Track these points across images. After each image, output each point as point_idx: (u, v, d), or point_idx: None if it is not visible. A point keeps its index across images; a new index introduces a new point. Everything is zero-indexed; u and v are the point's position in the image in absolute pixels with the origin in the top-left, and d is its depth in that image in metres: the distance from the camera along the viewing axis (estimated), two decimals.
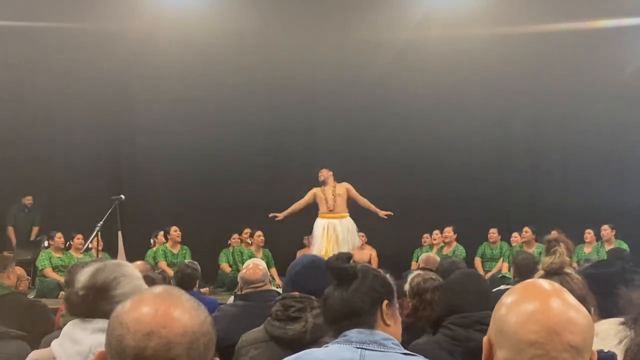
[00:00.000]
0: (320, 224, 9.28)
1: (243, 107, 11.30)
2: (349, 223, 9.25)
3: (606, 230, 9.84)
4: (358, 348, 1.88)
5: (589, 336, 1.26)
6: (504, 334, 1.27)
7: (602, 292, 2.76)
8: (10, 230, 11.01)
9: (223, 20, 10.91)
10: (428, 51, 11.26)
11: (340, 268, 2.05)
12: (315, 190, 9.43)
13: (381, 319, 1.98)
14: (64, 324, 2.12)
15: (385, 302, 2.01)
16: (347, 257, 2.09)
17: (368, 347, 1.88)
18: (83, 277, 2.09)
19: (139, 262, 5.21)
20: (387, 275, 2.11)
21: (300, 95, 11.64)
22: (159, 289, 1.26)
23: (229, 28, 10.85)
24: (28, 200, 11.01)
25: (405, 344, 2.84)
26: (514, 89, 11.57)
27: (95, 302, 2.02)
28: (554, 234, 2.86)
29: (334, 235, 9.04)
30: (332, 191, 9.28)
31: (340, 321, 1.98)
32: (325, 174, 9.40)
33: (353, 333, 1.93)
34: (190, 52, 10.98)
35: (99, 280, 2.06)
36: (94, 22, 10.79)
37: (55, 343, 2.03)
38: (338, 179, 9.65)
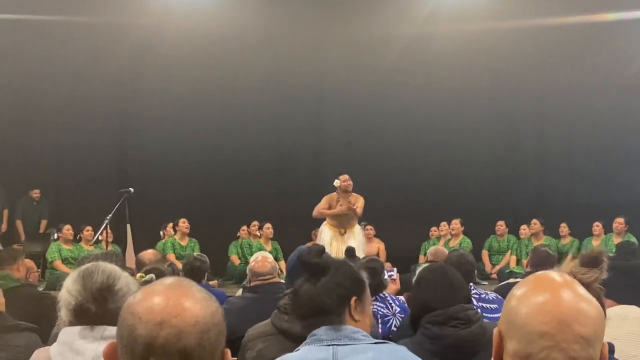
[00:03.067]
0: (328, 234, 8.41)
1: (251, 100, 11.31)
2: (358, 232, 8.50)
3: (621, 224, 9.76)
4: (329, 345, 1.89)
5: (599, 328, 1.25)
6: (514, 325, 1.26)
7: (625, 280, 2.78)
8: (19, 224, 11.07)
9: (230, 15, 10.93)
10: (435, 45, 11.24)
11: (310, 263, 2.05)
12: (331, 197, 8.44)
13: (349, 315, 1.99)
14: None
15: (354, 298, 2.01)
16: (320, 250, 2.09)
17: (339, 343, 1.89)
18: (76, 286, 2.04)
19: (149, 251, 5.22)
20: (361, 271, 2.11)
21: (308, 89, 11.64)
22: (170, 279, 1.26)
23: (236, 23, 10.86)
24: (36, 193, 11.06)
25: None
26: (521, 82, 11.54)
27: (106, 305, 2.00)
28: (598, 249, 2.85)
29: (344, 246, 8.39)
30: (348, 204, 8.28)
31: (309, 317, 1.99)
32: (349, 182, 8.34)
33: (321, 331, 1.94)
34: (198, 46, 10.99)
35: (96, 284, 2.03)
36: (101, 15, 10.83)
37: (54, 353, 1.99)
38: (346, 172, 9.56)
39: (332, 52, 11.45)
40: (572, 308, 1.23)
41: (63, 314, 2.07)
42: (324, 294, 1.98)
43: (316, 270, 2.03)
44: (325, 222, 8.55)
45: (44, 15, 10.64)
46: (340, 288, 2.00)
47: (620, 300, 2.79)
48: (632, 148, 11.37)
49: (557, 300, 1.24)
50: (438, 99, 11.28)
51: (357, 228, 8.50)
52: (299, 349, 1.96)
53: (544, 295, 1.26)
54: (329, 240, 8.34)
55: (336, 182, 8.35)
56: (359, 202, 8.34)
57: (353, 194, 8.41)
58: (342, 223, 8.37)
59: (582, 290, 1.29)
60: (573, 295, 1.26)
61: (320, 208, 8.42)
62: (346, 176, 8.43)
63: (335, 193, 8.40)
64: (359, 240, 8.38)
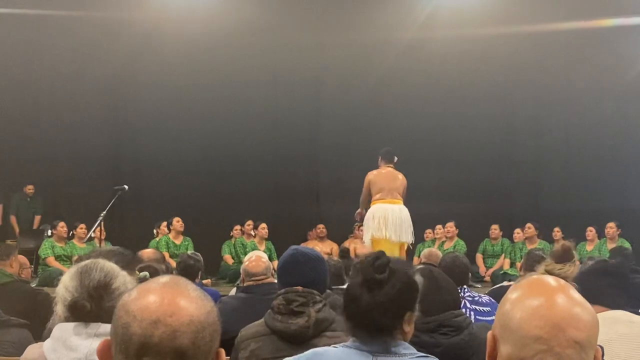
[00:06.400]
0: None
1: (247, 99, 11.30)
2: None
3: (612, 229, 9.80)
4: (370, 353, 1.91)
5: (593, 332, 1.26)
6: (508, 329, 1.27)
7: (610, 284, 2.77)
8: (13, 219, 11.02)
9: (229, 13, 10.89)
10: (433, 50, 11.24)
11: (374, 279, 2.01)
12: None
13: (400, 328, 2.00)
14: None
15: (408, 313, 2.01)
16: (385, 264, 2.04)
17: (380, 355, 1.90)
18: (73, 283, 2.05)
19: (149, 250, 5.22)
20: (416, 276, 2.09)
21: (306, 89, 11.64)
22: (165, 278, 1.26)
23: (235, 21, 10.83)
24: (29, 189, 11.01)
25: None
26: (518, 87, 11.57)
27: (102, 303, 2.01)
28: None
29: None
30: None
31: (363, 326, 1.98)
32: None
33: (365, 339, 1.94)
34: (195, 44, 10.96)
35: (93, 281, 2.04)
36: (97, 10, 10.78)
37: (48, 348, 1.99)
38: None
39: (331, 53, 11.44)
40: (566, 312, 1.24)
41: (59, 309, 2.07)
42: (382, 313, 1.96)
43: (377, 283, 2.01)
44: None
45: (39, 10, 10.58)
46: (398, 306, 1.99)
47: (608, 304, 2.77)
48: (627, 154, 11.40)
49: (552, 305, 1.25)
50: (435, 102, 11.29)
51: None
52: (337, 346, 1.98)
53: (539, 300, 1.26)
54: None
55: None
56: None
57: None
58: None
59: (576, 294, 1.29)
60: (567, 299, 1.26)
61: None
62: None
63: None
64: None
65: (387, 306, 1.97)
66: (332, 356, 1.93)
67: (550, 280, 1.32)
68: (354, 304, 2.01)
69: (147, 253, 4.98)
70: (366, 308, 1.97)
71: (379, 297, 1.98)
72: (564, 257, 2.57)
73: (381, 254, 2.09)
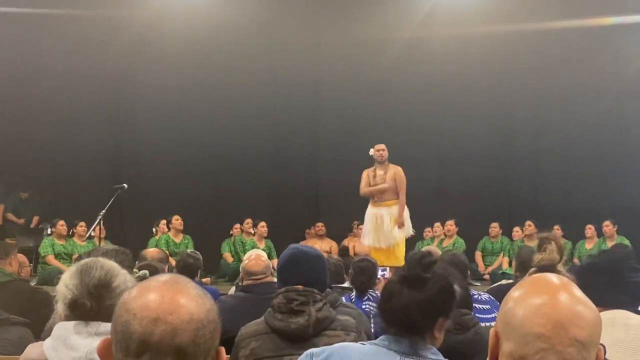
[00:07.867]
0: (370, 212, 8.34)
1: (247, 97, 11.29)
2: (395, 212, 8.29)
3: (608, 226, 9.85)
4: (397, 353, 1.91)
5: (595, 331, 1.26)
6: (510, 326, 1.27)
7: (606, 282, 2.74)
8: (11, 215, 10.90)
9: (228, 11, 10.89)
10: (432, 48, 11.25)
11: (418, 276, 2.01)
12: (367, 172, 8.38)
13: (430, 333, 2.00)
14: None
15: (441, 319, 2.01)
16: (431, 263, 2.03)
17: (407, 356, 1.91)
18: (73, 281, 2.05)
19: (153, 249, 5.24)
20: (455, 284, 2.09)
21: (305, 87, 11.64)
22: (165, 276, 1.26)
23: (234, 20, 10.82)
24: (23, 195, 10.94)
25: None
26: (517, 85, 11.56)
27: (102, 302, 2.01)
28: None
29: (381, 227, 8.20)
30: (383, 175, 8.21)
31: (397, 323, 1.97)
32: (382, 152, 8.27)
33: (396, 337, 1.94)
34: (194, 42, 10.96)
35: (93, 280, 2.04)
36: (96, 9, 10.78)
37: (48, 347, 1.99)
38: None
39: (330, 52, 11.46)
40: (568, 311, 1.24)
41: (59, 307, 2.07)
42: (418, 312, 1.96)
43: (420, 281, 2.01)
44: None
45: (38, 9, 10.57)
46: (435, 308, 1.99)
47: (606, 304, 2.75)
48: (626, 152, 11.40)
49: (554, 303, 1.24)
50: (434, 100, 11.30)
51: (395, 206, 8.22)
52: (365, 344, 1.98)
53: (541, 298, 1.26)
54: (370, 218, 8.31)
55: (371, 151, 8.33)
56: (399, 182, 8.17)
57: (390, 164, 8.31)
58: (378, 198, 8.29)
59: (579, 293, 1.29)
60: (570, 298, 1.26)
61: (362, 187, 8.36)
62: (381, 145, 8.37)
63: (373, 167, 8.37)
64: (392, 215, 8.19)
65: (424, 306, 1.97)
66: (359, 352, 1.93)
67: (553, 278, 1.32)
68: (392, 299, 2.00)
69: (151, 252, 5.01)
70: (405, 304, 1.97)
71: (418, 296, 1.97)
72: (539, 249, 2.58)
73: (428, 253, 2.09)
